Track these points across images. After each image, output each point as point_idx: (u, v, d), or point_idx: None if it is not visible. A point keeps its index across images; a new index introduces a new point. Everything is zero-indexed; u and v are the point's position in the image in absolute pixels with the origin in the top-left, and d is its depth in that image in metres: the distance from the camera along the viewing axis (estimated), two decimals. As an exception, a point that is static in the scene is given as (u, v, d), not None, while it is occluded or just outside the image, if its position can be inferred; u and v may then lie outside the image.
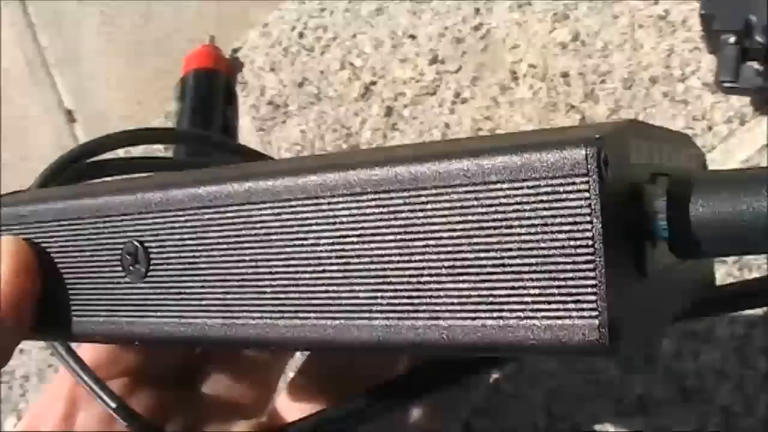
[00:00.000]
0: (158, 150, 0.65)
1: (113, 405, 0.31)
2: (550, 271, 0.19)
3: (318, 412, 0.30)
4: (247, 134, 0.65)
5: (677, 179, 0.22)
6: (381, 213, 0.21)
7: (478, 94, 0.57)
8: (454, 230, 0.20)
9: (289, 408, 0.34)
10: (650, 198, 0.21)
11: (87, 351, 0.34)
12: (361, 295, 0.21)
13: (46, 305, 0.28)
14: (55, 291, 0.28)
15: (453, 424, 0.36)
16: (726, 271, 0.49)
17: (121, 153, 0.70)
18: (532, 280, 0.19)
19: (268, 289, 0.23)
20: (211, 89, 0.65)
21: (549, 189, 0.19)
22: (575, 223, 0.19)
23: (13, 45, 0.82)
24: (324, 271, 0.22)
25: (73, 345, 0.32)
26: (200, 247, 0.24)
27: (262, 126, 0.64)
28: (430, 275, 0.20)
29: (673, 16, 0.53)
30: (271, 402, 0.36)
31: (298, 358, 0.45)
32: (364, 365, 0.32)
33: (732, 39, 0.47)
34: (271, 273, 0.23)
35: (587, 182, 0.18)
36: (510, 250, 0.19)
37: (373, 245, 0.21)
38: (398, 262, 0.21)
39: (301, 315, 0.22)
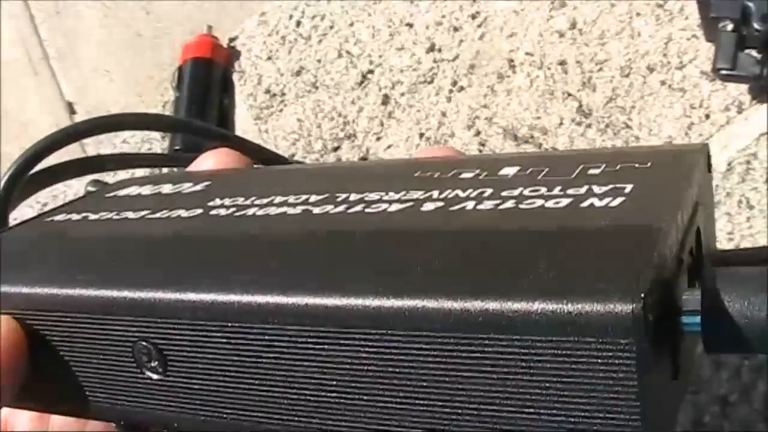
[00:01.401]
0: (155, 138, 0.65)
1: None
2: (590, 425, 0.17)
3: None
4: (244, 123, 0.65)
5: (707, 271, 0.19)
6: (411, 351, 0.18)
7: (475, 82, 0.57)
8: (484, 383, 0.18)
9: None
10: (681, 294, 0.19)
11: None
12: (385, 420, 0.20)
13: (42, 380, 0.27)
14: (52, 369, 0.26)
15: None
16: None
17: (118, 143, 0.70)
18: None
19: (300, 407, 0.21)
20: (208, 78, 0.65)
21: (586, 345, 0.16)
22: (618, 386, 0.16)
23: (14, 37, 0.82)
24: (344, 403, 0.20)
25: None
26: (222, 358, 0.22)
27: (259, 115, 0.64)
28: (457, 427, 0.18)
29: (670, 4, 0.53)
30: None
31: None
32: None
33: (729, 26, 0.47)
34: (301, 393, 0.21)
35: (631, 344, 0.16)
36: (543, 409, 0.17)
37: (395, 380, 0.19)
38: (424, 408, 0.19)
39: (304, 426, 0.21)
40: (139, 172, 0.60)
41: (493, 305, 0.17)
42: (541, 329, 0.17)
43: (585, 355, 0.16)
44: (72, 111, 0.78)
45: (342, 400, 0.20)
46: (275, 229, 0.25)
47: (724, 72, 0.47)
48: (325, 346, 0.20)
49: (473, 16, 0.58)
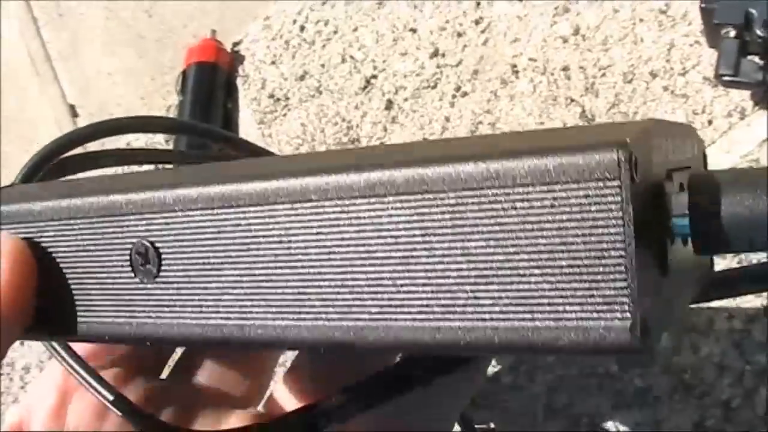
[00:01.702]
0: (158, 143, 0.65)
1: (110, 398, 0.31)
2: (582, 274, 0.19)
3: (312, 404, 0.30)
4: (248, 127, 0.65)
5: (695, 176, 0.22)
6: (407, 215, 0.21)
7: (479, 87, 0.57)
8: (484, 232, 0.20)
9: (287, 397, 0.34)
10: (670, 195, 0.21)
11: (78, 343, 0.33)
12: (386, 296, 0.21)
13: (48, 305, 0.28)
14: (57, 290, 0.27)
15: (453, 415, 0.35)
16: (726, 265, 0.49)
17: (122, 144, 0.70)
18: (563, 282, 0.19)
19: (288, 290, 0.22)
20: (212, 82, 0.65)
21: (580, 192, 0.19)
22: (607, 226, 0.19)
23: (17, 39, 0.82)
24: (347, 272, 0.22)
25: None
26: (214, 247, 0.24)
27: (262, 119, 0.64)
28: (460, 277, 0.20)
29: (673, 10, 0.53)
30: (268, 391, 0.36)
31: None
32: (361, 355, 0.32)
33: (732, 33, 0.47)
34: (290, 273, 0.22)
35: (618, 186, 0.18)
36: (540, 252, 0.19)
37: (398, 247, 0.21)
38: (426, 264, 0.21)
39: (322, 316, 0.22)
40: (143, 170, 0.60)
41: (497, 164, 0.20)
42: (540, 179, 0.19)
43: (579, 202, 0.19)
44: (74, 113, 0.79)
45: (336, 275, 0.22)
46: (271, 159, 0.28)
47: (726, 78, 0.47)
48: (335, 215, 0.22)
49: (477, 22, 0.58)
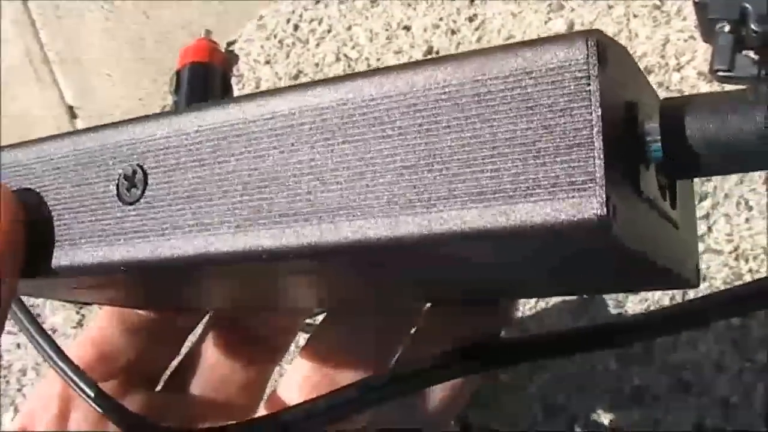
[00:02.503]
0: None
1: (91, 393, 0.30)
2: (551, 154, 0.20)
3: (313, 399, 0.29)
4: (243, 128, 0.65)
5: (667, 100, 0.22)
6: (383, 114, 0.22)
7: (473, 85, 0.57)
8: (460, 123, 0.21)
9: (290, 396, 0.34)
10: (643, 117, 0.21)
11: (76, 354, 0.33)
12: (369, 194, 0.22)
13: (39, 243, 0.28)
14: (47, 227, 0.27)
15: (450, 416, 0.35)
16: (722, 261, 0.49)
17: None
18: (533, 164, 0.20)
19: (278, 197, 0.23)
20: (206, 83, 0.65)
21: (552, 79, 0.20)
22: (576, 106, 0.19)
23: (15, 41, 0.82)
24: (331, 174, 0.22)
25: (63, 344, 0.32)
26: (200, 165, 0.24)
27: (257, 119, 0.64)
28: (440, 165, 0.21)
29: (667, 6, 0.52)
30: (260, 401, 0.36)
31: (292, 351, 0.45)
32: (362, 354, 0.32)
33: (727, 28, 0.47)
34: (279, 180, 0.23)
35: (587, 69, 0.19)
36: (513, 137, 0.20)
37: (382, 143, 0.22)
38: (405, 157, 0.21)
39: (312, 219, 0.22)
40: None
41: (477, 61, 0.21)
42: (517, 68, 0.20)
43: (552, 87, 0.20)
44: (73, 115, 0.79)
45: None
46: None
47: (721, 73, 0.47)
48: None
49: (471, 19, 0.58)
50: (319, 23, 0.64)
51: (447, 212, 0.21)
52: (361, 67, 0.61)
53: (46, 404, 0.34)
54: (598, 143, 0.19)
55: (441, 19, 0.59)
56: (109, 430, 0.32)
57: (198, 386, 0.36)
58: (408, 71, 0.22)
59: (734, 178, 0.49)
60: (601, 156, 0.19)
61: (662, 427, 0.48)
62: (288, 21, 0.65)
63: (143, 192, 0.25)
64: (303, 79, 0.63)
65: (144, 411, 0.33)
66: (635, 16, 0.53)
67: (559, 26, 0.55)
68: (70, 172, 0.27)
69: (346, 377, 0.31)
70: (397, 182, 0.21)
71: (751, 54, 0.47)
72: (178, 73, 0.67)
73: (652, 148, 0.21)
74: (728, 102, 0.22)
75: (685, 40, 0.52)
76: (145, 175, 0.25)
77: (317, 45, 0.63)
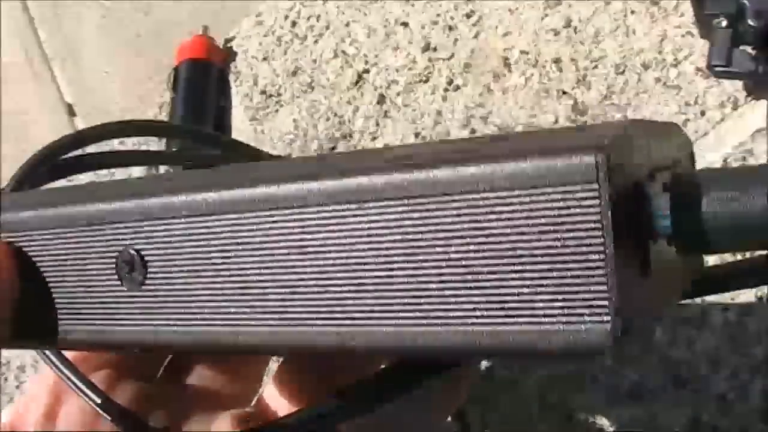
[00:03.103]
0: (152, 139, 0.65)
1: (98, 401, 0.30)
2: (561, 278, 0.19)
3: (303, 409, 0.29)
4: (240, 123, 0.65)
5: (677, 176, 0.21)
6: (386, 220, 0.21)
7: (471, 81, 0.57)
8: (464, 237, 0.20)
9: (276, 399, 0.34)
10: (652, 196, 0.20)
11: None
12: (369, 302, 0.21)
13: (35, 313, 0.28)
14: (44, 299, 0.27)
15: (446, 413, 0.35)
16: (718, 257, 0.49)
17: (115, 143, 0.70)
18: (543, 286, 0.19)
19: (272, 296, 0.23)
20: (204, 79, 0.65)
21: (558, 196, 0.19)
22: (585, 230, 0.18)
23: (13, 39, 0.82)
24: (329, 278, 0.22)
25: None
26: (199, 255, 0.24)
27: (255, 115, 0.64)
28: (441, 281, 0.20)
29: (665, 2, 0.52)
30: (258, 392, 0.36)
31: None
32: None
33: (724, 23, 0.47)
34: (274, 279, 0.22)
35: (596, 189, 0.18)
36: (520, 256, 0.19)
37: (380, 252, 0.21)
38: (407, 269, 0.21)
39: (307, 322, 0.22)
40: (136, 171, 0.60)
41: (475, 169, 0.19)
42: (519, 183, 0.19)
43: (557, 206, 0.19)
44: (72, 112, 0.79)
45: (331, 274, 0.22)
46: (255, 166, 0.28)
47: (718, 68, 0.47)
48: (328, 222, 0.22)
49: (468, 15, 0.58)
50: (317, 20, 0.63)
51: (449, 328, 0.20)
52: (359, 63, 0.61)
53: (37, 398, 0.34)
54: (609, 268, 0.18)
55: (438, 16, 0.59)
56: (100, 428, 0.32)
57: (194, 377, 0.36)
58: (399, 174, 0.20)
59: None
60: (613, 282, 0.18)
61: (658, 423, 0.48)
62: (286, 17, 0.65)
63: (144, 279, 0.25)
64: (301, 76, 0.63)
65: (136, 401, 0.33)
66: (633, 11, 0.53)
67: (556, 23, 0.55)
68: (70, 245, 0.27)
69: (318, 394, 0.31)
70: (395, 292, 0.21)
71: (749, 49, 0.47)
72: (175, 69, 0.67)
73: (661, 225, 0.20)
74: (738, 178, 0.21)
75: (683, 36, 0.51)
76: (144, 262, 0.25)
77: (315, 41, 0.63)
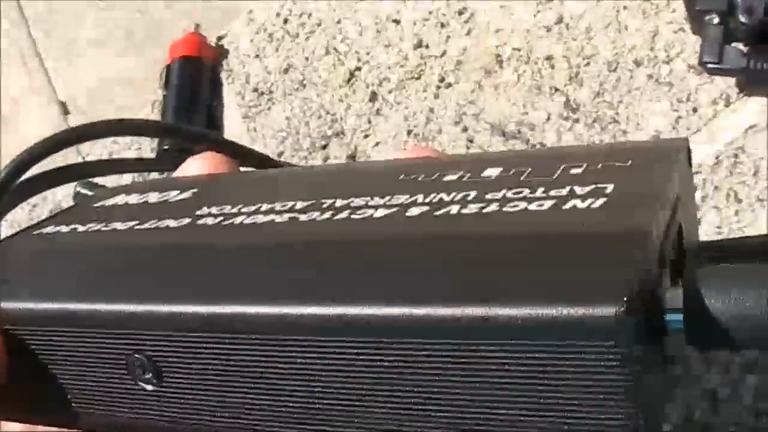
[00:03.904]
0: (144, 138, 0.65)
1: None
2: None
3: None
4: (232, 122, 0.65)
5: (692, 272, 0.19)
6: (382, 360, 0.19)
7: (463, 78, 0.56)
8: (466, 389, 0.18)
9: None
10: (665, 291, 0.18)
11: None
12: None
13: (39, 400, 0.27)
14: (49, 389, 0.25)
15: None
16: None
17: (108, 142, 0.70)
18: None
19: (282, 424, 0.21)
20: (196, 77, 0.65)
21: (576, 350, 0.16)
22: (606, 391, 0.16)
23: (6, 37, 0.82)
24: (330, 410, 0.20)
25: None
26: (213, 367, 0.22)
27: (247, 113, 0.64)
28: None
29: (657, -2, 0.52)
30: None
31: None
32: None
33: (716, 20, 0.47)
34: (285, 406, 0.21)
35: (617, 351, 0.16)
36: (535, 412, 0.17)
37: (387, 394, 0.19)
38: (401, 412, 0.19)
39: None
40: (128, 176, 0.60)
41: (478, 311, 0.17)
42: (526, 334, 0.16)
43: (575, 360, 0.16)
44: (65, 111, 0.78)
45: (334, 411, 0.20)
46: (263, 239, 0.25)
47: (710, 65, 0.47)
48: (315, 355, 0.20)
49: (460, 12, 0.58)
50: (309, 17, 0.63)
51: None
52: (351, 61, 0.61)
53: None
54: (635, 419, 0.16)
55: (430, 13, 0.59)
56: None
57: None
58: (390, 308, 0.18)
59: (723, 170, 0.49)
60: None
61: (651, 420, 0.48)
62: (277, 15, 0.65)
63: (160, 381, 0.23)
64: (293, 74, 0.63)
65: None
66: (625, 8, 0.53)
67: (548, 19, 0.55)
68: (75, 342, 0.25)
69: None
70: None
71: (740, 46, 0.47)
72: (167, 67, 0.67)
73: (672, 321, 0.18)
74: (756, 275, 0.19)
75: (675, 33, 0.51)
76: (157, 367, 0.23)
77: (307, 39, 0.63)
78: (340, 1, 0.62)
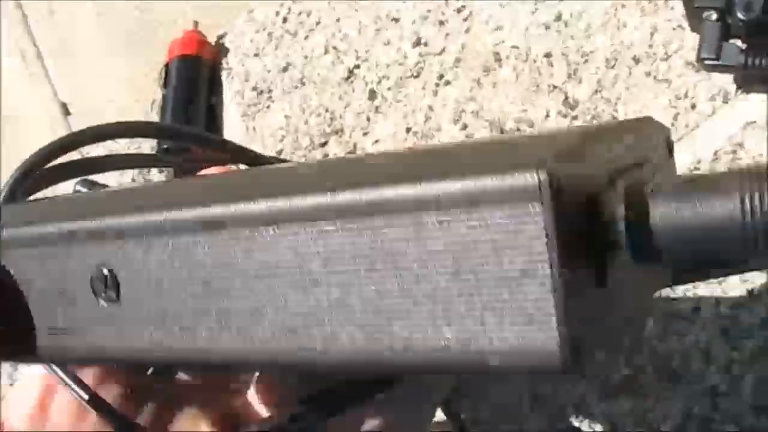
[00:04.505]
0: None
1: (86, 397, 0.31)
2: (509, 297, 0.19)
3: (280, 414, 0.30)
4: (232, 120, 0.65)
5: (633, 186, 0.21)
6: (338, 241, 0.21)
7: (462, 76, 0.56)
8: (410, 255, 0.20)
9: (256, 400, 0.34)
10: (608, 206, 0.20)
11: None
12: (324, 321, 0.21)
13: (13, 328, 0.28)
14: (21, 314, 0.28)
15: (426, 408, 0.35)
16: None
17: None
18: (491, 304, 0.19)
19: (240, 313, 0.23)
20: (195, 76, 0.65)
21: (504, 214, 0.18)
22: (531, 248, 0.18)
23: (7, 38, 0.82)
24: (287, 297, 0.22)
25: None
26: (169, 272, 0.24)
27: (246, 112, 0.64)
28: (390, 300, 0.20)
29: (655, -5, 0.52)
30: (252, 380, 0.36)
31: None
32: None
33: (714, 16, 0.47)
34: (239, 297, 0.23)
35: (540, 208, 0.18)
36: (467, 274, 0.19)
37: (331, 271, 0.21)
38: (359, 287, 0.21)
39: (272, 340, 0.22)
40: (129, 172, 0.60)
41: (420, 187, 0.19)
42: (462, 201, 0.19)
43: (503, 224, 0.18)
44: (66, 112, 0.79)
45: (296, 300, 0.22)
46: (228, 178, 0.28)
47: (709, 62, 0.47)
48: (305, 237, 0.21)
49: (459, 10, 0.58)
50: (308, 15, 0.63)
51: (396, 345, 0.20)
52: (350, 59, 0.61)
53: (27, 392, 0.34)
54: (556, 286, 0.18)
55: (429, 11, 0.59)
56: (89, 421, 0.32)
57: (183, 373, 0.36)
58: (344, 194, 0.21)
59: (721, 166, 0.49)
60: (561, 301, 0.18)
61: (650, 417, 0.48)
62: (277, 13, 0.65)
63: (118, 294, 0.25)
64: (292, 72, 0.63)
65: (126, 396, 0.33)
66: (623, 6, 0.53)
67: (547, 17, 0.55)
68: (47, 260, 0.27)
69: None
70: (348, 317, 0.21)
71: (738, 42, 0.47)
72: (166, 66, 0.67)
73: (617, 238, 0.20)
74: (697, 190, 0.20)
75: (673, 29, 0.51)
76: (117, 281, 0.25)
77: (306, 38, 0.63)
78: (339, 0, 0.62)
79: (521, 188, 0.18)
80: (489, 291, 0.19)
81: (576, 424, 0.49)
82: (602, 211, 0.20)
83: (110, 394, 0.32)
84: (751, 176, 0.19)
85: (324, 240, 0.21)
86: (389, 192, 0.20)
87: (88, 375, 0.32)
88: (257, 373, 0.34)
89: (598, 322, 0.20)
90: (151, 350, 0.25)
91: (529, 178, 0.18)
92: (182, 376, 0.36)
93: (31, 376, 0.34)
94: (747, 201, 0.19)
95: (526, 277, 0.18)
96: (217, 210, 0.23)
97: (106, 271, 0.25)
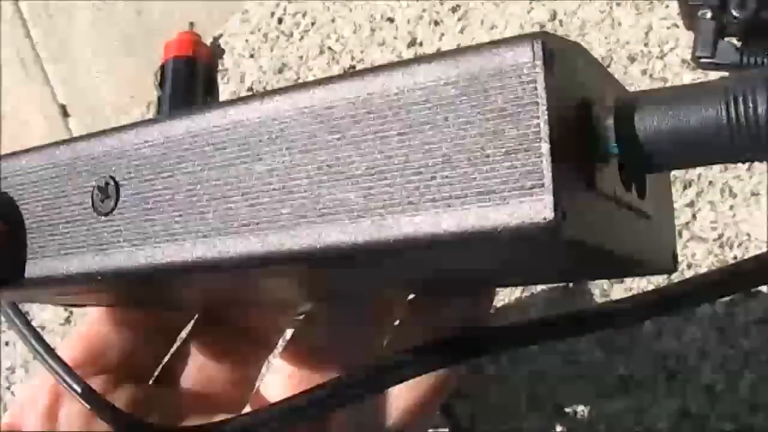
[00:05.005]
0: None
1: (78, 389, 0.31)
2: (501, 159, 0.20)
3: (284, 400, 0.29)
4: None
5: (622, 98, 0.22)
6: (340, 121, 0.22)
7: (457, 75, 0.56)
8: (412, 128, 0.21)
9: (274, 393, 0.34)
10: (598, 113, 0.21)
11: (66, 350, 0.33)
12: (328, 204, 0.22)
13: (14, 253, 0.28)
14: (22, 239, 0.28)
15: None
16: (707, 249, 0.49)
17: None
18: (484, 169, 0.20)
19: (243, 206, 0.23)
20: (190, 77, 0.65)
21: (499, 83, 0.20)
22: (523, 110, 0.19)
23: (6, 40, 0.82)
24: (287, 184, 0.23)
25: (51, 341, 0.32)
26: (168, 172, 0.25)
27: (242, 113, 0.64)
28: (389, 172, 0.21)
29: (650, -7, 0.52)
30: (253, 391, 0.36)
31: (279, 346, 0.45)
32: (343, 351, 0.32)
33: (709, 14, 0.47)
34: (243, 189, 0.23)
35: (533, 73, 0.19)
36: (463, 142, 0.20)
37: (334, 151, 0.22)
38: (359, 163, 0.22)
39: (274, 227, 0.23)
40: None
41: (422, 66, 0.21)
42: (464, 74, 0.20)
43: (500, 93, 0.20)
44: (65, 113, 0.79)
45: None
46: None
47: (704, 60, 0.47)
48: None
49: (453, 10, 0.58)
50: (303, 16, 0.63)
51: (397, 219, 0.21)
52: (346, 59, 0.61)
53: (36, 398, 0.34)
54: (546, 147, 0.19)
55: (424, 11, 0.59)
56: (98, 427, 0.32)
57: (187, 381, 0.36)
58: (353, 80, 0.22)
59: (718, 165, 0.49)
60: (550, 160, 0.19)
61: (647, 415, 0.48)
62: (272, 14, 0.65)
63: (116, 203, 0.26)
64: (287, 73, 0.63)
65: (133, 404, 0.33)
66: (618, 4, 0.53)
67: (542, 16, 0.55)
68: (46, 185, 0.27)
69: (328, 375, 0.31)
70: (353, 190, 0.21)
71: (734, 40, 0.47)
72: (162, 67, 0.67)
73: (606, 145, 0.21)
74: (683, 95, 0.21)
75: (668, 28, 0.51)
76: (117, 186, 0.26)
77: (301, 38, 0.63)
78: (334, 0, 0.62)
79: (518, 59, 0.19)
80: (482, 160, 0.20)
81: (574, 424, 0.50)
82: (593, 118, 0.21)
83: (118, 404, 0.32)
84: (735, 76, 0.21)
85: (328, 119, 0.22)
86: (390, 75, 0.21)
87: (96, 385, 0.32)
88: (271, 371, 0.34)
89: (588, 218, 0.21)
90: (150, 258, 0.25)
91: (526, 48, 0.19)
92: (186, 383, 0.36)
93: (41, 380, 0.34)
94: (731, 96, 0.20)
95: (519, 138, 0.19)
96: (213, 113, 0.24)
97: (107, 179, 0.26)
